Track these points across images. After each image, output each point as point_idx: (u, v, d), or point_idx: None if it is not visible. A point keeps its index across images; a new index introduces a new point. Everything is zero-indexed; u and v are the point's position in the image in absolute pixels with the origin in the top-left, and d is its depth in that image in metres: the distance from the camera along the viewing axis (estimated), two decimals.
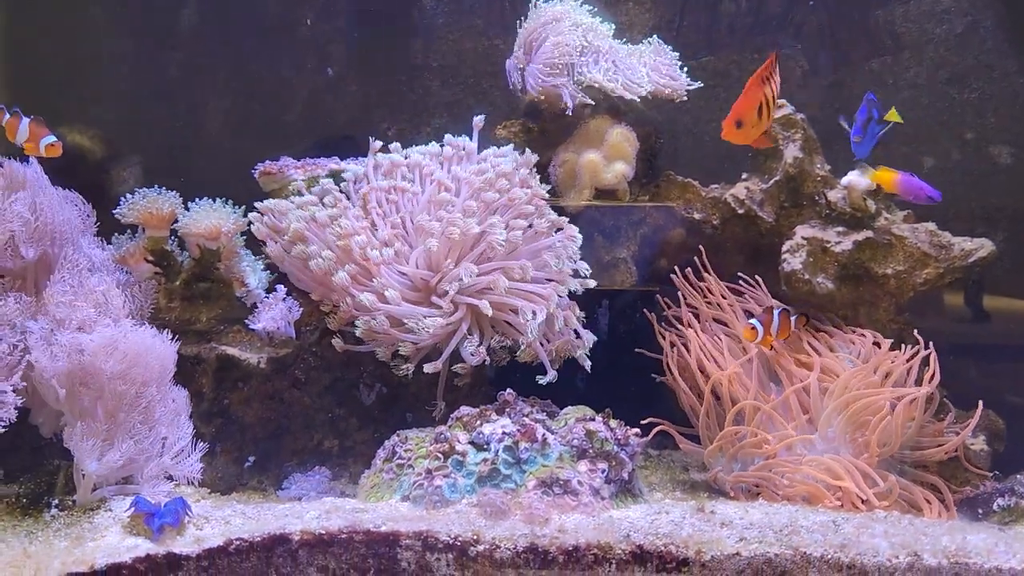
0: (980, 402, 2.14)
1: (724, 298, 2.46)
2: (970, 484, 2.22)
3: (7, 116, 2.13)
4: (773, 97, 2.18)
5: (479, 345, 2.21)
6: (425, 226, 2.23)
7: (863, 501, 2.00)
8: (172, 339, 2.10)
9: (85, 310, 2.01)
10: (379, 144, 2.46)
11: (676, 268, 2.50)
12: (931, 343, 2.20)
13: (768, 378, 2.36)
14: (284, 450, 2.37)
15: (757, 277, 2.49)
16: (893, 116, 2.28)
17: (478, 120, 2.47)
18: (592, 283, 2.37)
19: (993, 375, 2.77)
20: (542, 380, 2.22)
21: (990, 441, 2.32)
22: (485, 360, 2.22)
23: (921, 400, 2.13)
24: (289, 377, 2.36)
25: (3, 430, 1.88)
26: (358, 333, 2.20)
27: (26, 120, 2.12)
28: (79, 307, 2.02)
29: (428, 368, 2.17)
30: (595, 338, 2.36)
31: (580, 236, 2.40)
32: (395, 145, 2.48)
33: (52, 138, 2.12)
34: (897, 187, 2.30)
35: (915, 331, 2.23)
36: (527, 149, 2.46)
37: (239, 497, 2.23)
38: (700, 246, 2.49)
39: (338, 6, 3.08)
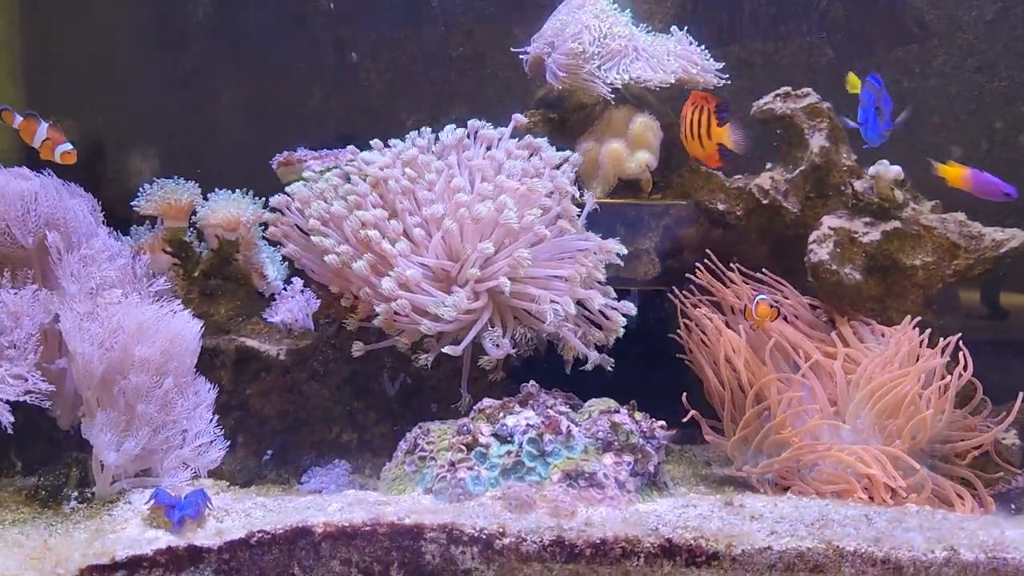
0: (1021, 394, 2.08)
1: (744, 284, 2.42)
2: (1002, 479, 2.17)
3: (19, 118, 2.14)
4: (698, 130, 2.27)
5: (502, 336, 2.18)
6: (435, 213, 2.20)
7: (892, 492, 1.96)
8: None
9: (111, 292, 1.98)
10: (352, 147, 2.41)
11: (698, 260, 2.45)
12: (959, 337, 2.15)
13: (792, 369, 2.31)
14: (302, 443, 2.35)
15: (765, 270, 2.45)
16: (852, 82, 2.23)
17: (519, 117, 2.44)
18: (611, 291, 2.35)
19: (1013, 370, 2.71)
20: (587, 366, 2.20)
21: (1022, 436, 2.27)
22: (510, 352, 2.18)
23: (951, 392, 2.09)
24: (308, 369, 2.34)
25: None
26: (378, 321, 2.17)
27: (44, 125, 2.16)
28: (91, 278, 1.99)
29: (448, 350, 2.13)
30: (633, 308, 2.29)
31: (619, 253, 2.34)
32: (376, 142, 2.42)
33: (68, 146, 2.15)
34: (968, 183, 2.17)
35: (957, 327, 2.16)
36: (569, 149, 2.42)
37: (258, 490, 2.20)
38: (708, 249, 2.44)
39: None
